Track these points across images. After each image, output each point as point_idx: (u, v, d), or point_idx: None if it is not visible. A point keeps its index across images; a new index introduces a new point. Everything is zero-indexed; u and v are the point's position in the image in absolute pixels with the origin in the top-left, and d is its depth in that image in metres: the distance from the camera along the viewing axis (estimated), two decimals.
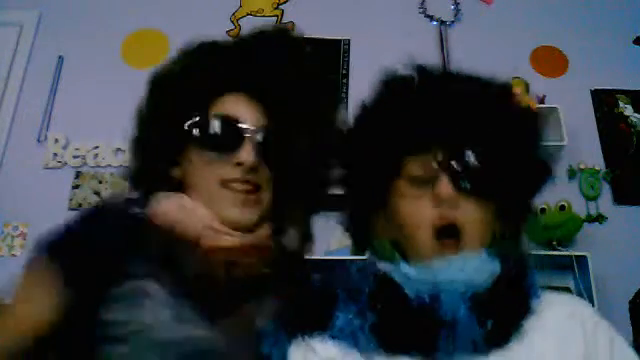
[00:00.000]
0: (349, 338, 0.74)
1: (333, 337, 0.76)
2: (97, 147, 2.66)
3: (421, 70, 0.84)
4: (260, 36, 0.93)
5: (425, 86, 0.83)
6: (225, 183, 0.82)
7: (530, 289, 0.77)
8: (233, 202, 0.82)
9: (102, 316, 0.75)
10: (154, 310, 0.75)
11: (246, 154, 0.82)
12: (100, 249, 0.78)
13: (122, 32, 2.91)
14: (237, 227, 0.82)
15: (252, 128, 0.84)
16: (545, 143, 0.85)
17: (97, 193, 2.60)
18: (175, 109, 0.86)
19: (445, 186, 0.75)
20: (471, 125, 0.78)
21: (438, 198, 0.76)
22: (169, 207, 0.82)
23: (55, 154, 2.65)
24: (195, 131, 0.84)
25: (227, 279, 0.80)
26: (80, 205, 2.56)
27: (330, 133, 0.91)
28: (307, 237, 0.94)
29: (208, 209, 0.82)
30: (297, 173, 0.88)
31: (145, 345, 0.74)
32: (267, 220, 0.87)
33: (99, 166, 2.65)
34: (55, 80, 2.80)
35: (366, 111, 0.86)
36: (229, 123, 0.84)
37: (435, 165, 0.77)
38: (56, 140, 2.67)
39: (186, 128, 0.85)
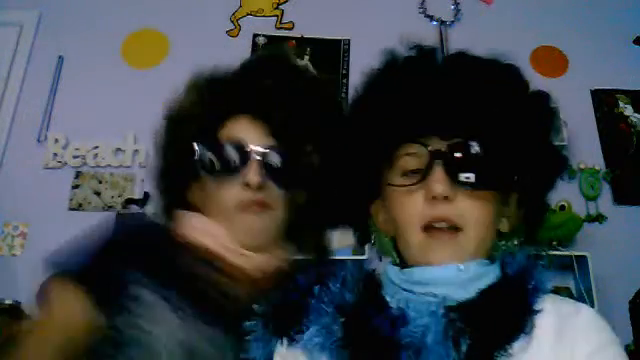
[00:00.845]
0: (315, 350, 0.68)
1: (303, 346, 0.70)
2: (97, 147, 2.66)
3: (418, 51, 0.76)
4: (259, 60, 0.97)
5: (421, 69, 0.75)
6: (240, 207, 0.85)
7: (531, 298, 0.66)
8: (242, 223, 0.85)
9: (113, 322, 0.78)
10: (161, 316, 0.79)
11: (252, 174, 0.83)
12: (124, 266, 0.82)
13: (122, 32, 2.91)
14: (251, 248, 0.85)
15: (256, 148, 0.85)
16: (556, 130, 0.74)
17: (97, 193, 2.60)
18: (185, 140, 0.89)
19: (439, 179, 0.67)
20: (470, 112, 0.69)
21: (430, 193, 0.67)
22: (193, 225, 0.86)
23: (55, 154, 2.65)
24: (203, 158, 0.87)
25: (240, 294, 0.82)
26: (80, 205, 2.57)
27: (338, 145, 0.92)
28: (325, 252, 0.96)
29: (225, 230, 0.85)
30: (309, 189, 0.89)
31: (151, 348, 0.77)
32: (283, 239, 0.90)
33: (99, 166, 2.65)
34: (55, 80, 2.80)
35: (360, 96, 0.79)
36: (233, 146, 0.86)
37: (429, 155, 0.68)
38: (56, 140, 2.67)
39: (195, 157, 0.87)
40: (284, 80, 0.91)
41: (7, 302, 2.06)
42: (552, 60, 2.90)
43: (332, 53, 2.88)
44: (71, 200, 2.58)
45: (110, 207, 2.55)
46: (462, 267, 0.67)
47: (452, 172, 0.67)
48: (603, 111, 2.80)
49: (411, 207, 0.69)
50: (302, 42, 2.88)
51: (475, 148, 0.68)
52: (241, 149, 0.85)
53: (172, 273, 0.82)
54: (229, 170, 0.85)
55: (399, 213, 0.71)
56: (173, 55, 2.75)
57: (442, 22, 2.96)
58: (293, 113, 0.87)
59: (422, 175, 0.68)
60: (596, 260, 2.31)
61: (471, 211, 0.68)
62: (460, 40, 2.88)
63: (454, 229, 0.68)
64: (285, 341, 0.73)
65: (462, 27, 2.96)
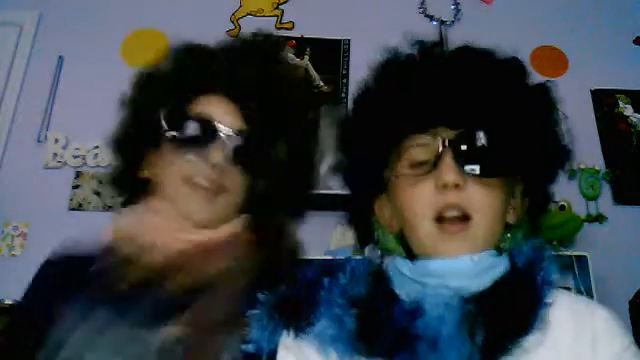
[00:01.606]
0: (327, 341, 0.68)
1: (313, 337, 0.70)
2: (97, 147, 2.65)
3: (423, 45, 0.78)
4: (241, 42, 0.94)
5: (428, 60, 0.76)
6: (187, 179, 0.83)
7: (541, 290, 0.69)
8: (193, 198, 0.83)
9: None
10: (89, 335, 0.76)
11: (215, 153, 0.82)
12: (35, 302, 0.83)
13: (122, 32, 2.90)
14: (199, 225, 0.84)
15: (226, 129, 0.84)
16: (559, 121, 0.78)
17: (97, 193, 2.60)
18: (150, 108, 0.87)
19: (449, 167, 0.68)
20: (478, 101, 0.70)
21: (441, 182, 0.68)
22: (127, 222, 0.86)
23: (55, 154, 2.65)
24: (168, 126, 0.85)
25: (183, 282, 0.79)
26: (80, 205, 2.57)
27: (311, 137, 0.91)
28: (292, 240, 0.93)
29: (171, 206, 0.84)
30: (275, 177, 0.88)
31: None
32: (239, 221, 0.88)
33: (99, 166, 2.64)
34: (55, 80, 2.80)
35: (366, 89, 0.79)
36: (202, 122, 0.84)
37: (438, 145, 0.69)
38: (56, 140, 2.67)
39: (159, 125, 0.85)
40: (267, 68, 0.89)
41: (7, 302, 2.06)
42: (552, 60, 2.90)
43: (332, 53, 2.87)
44: (71, 200, 2.58)
45: (110, 207, 2.55)
46: (476, 258, 0.68)
47: (461, 160, 0.68)
48: (603, 111, 2.80)
49: (421, 196, 0.70)
50: (302, 42, 2.88)
51: (483, 136, 0.69)
52: (210, 127, 0.83)
53: (98, 285, 0.79)
54: (192, 145, 0.83)
55: (408, 204, 0.71)
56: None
57: (442, 22, 2.96)
58: (270, 102, 0.86)
59: (432, 164, 0.69)
60: (596, 260, 2.31)
61: (481, 198, 0.69)
62: (460, 40, 2.87)
63: (465, 219, 0.69)
64: (292, 332, 0.72)
65: (462, 27, 2.96)
